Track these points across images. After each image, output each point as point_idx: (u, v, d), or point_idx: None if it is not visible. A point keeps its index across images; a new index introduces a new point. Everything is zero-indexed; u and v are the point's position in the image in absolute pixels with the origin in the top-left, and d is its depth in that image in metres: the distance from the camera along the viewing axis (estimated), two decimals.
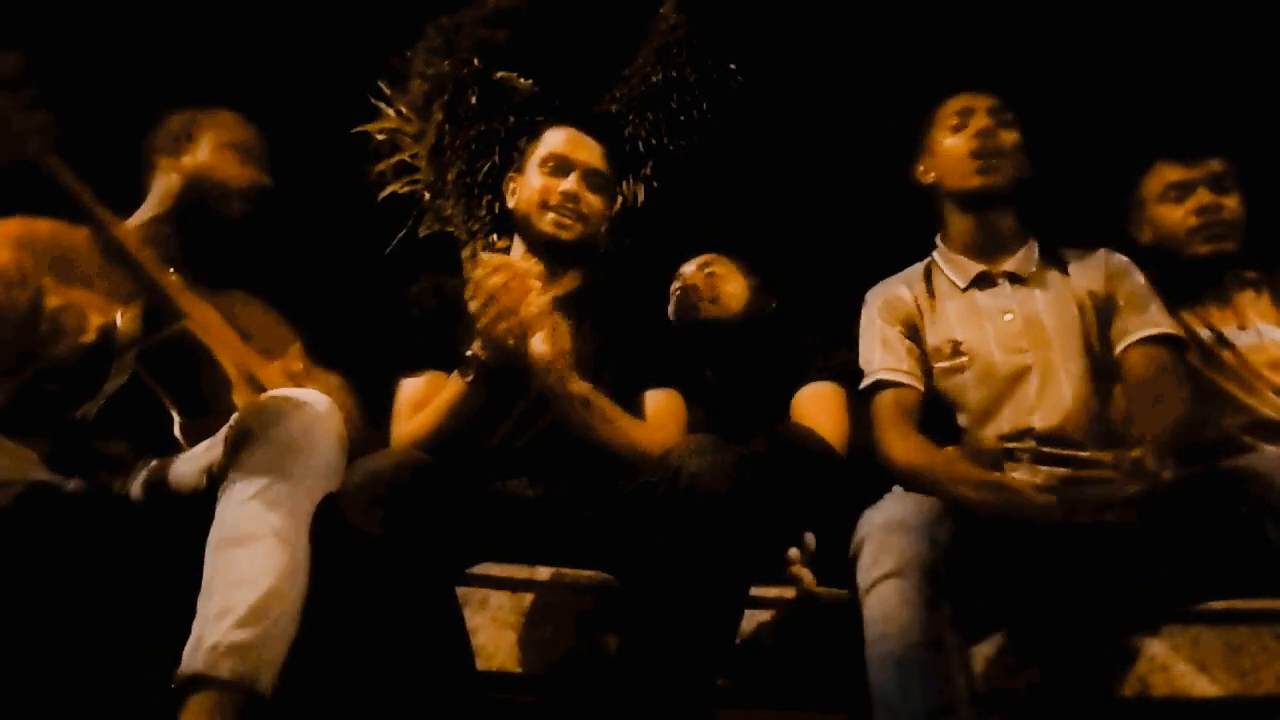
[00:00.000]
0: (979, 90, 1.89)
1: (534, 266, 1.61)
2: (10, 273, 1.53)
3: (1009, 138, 1.84)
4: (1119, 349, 1.76)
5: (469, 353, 1.57)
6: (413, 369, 1.73)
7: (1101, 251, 1.87)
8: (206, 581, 1.21)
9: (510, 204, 1.90)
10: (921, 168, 1.92)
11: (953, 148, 1.85)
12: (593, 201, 1.82)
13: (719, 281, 2.26)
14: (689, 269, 2.31)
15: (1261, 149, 2.16)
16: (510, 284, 1.51)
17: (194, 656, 1.15)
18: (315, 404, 1.31)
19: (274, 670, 1.18)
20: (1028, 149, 1.87)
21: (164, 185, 1.73)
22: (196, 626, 1.18)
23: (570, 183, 1.80)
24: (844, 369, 1.95)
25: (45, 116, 1.36)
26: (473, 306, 1.52)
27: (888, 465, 1.72)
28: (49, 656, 1.31)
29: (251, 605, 1.18)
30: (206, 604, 1.19)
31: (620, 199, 1.97)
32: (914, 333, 1.86)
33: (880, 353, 1.83)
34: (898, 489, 1.69)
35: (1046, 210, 1.95)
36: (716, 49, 3.48)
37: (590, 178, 1.82)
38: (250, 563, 1.20)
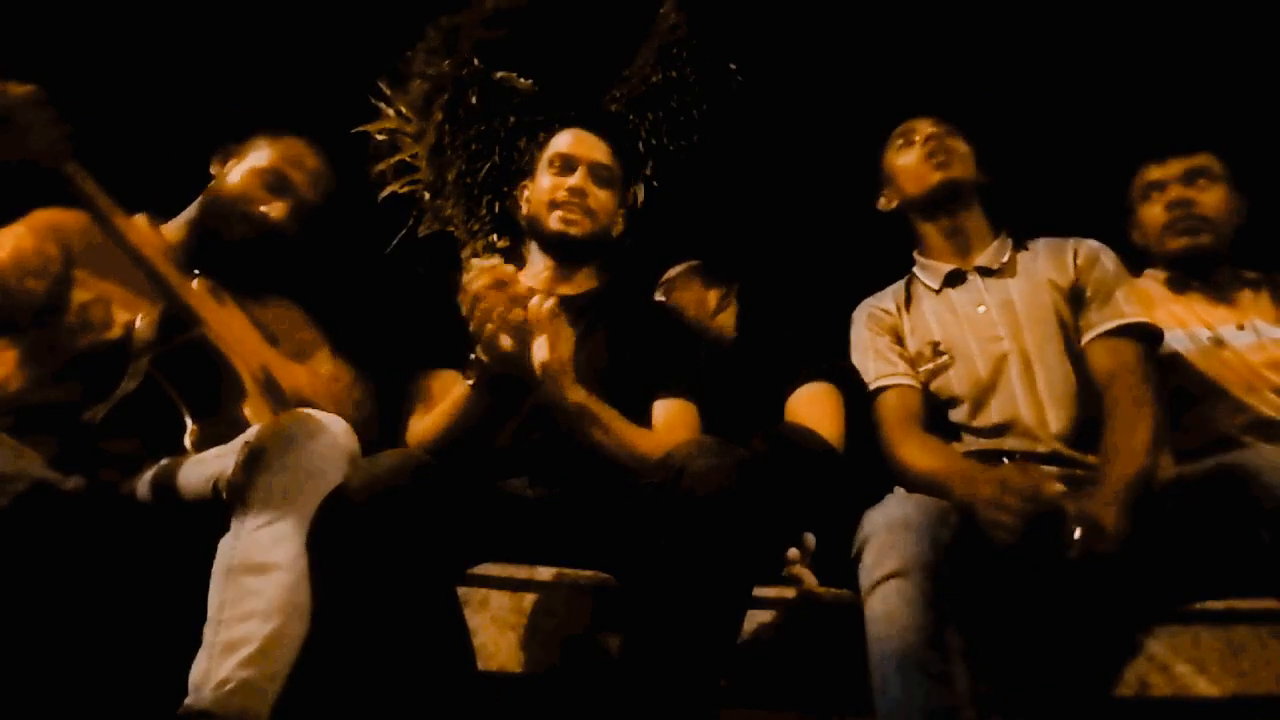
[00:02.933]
0: (918, 115, 1.97)
1: (519, 273, 1.60)
2: (30, 261, 1.52)
3: (955, 144, 1.91)
4: (1083, 341, 1.77)
5: (471, 356, 1.56)
6: (428, 365, 1.73)
7: (1072, 240, 1.89)
8: (215, 608, 1.21)
9: (524, 211, 1.91)
10: (884, 198, 2.00)
11: (904, 164, 1.94)
12: (600, 196, 1.83)
13: (671, 294, 2.28)
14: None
15: (1262, 149, 2.16)
16: (496, 288, 1.50)
17: (201, 692, 1.16)
18: (330, 428, 1.31)
19: (273, 703, 1.19)
20: (1001, 150, 1.95)
21: (202, 196, 1.74)
22: (203, 656, 1.19)
23: (575, 179, 1.81)
24: (836, 369, 1.95)
25: (55, 119, 1.35)
26: (465, 312, 1.51)
27: (898, 469, 1.73)
28: (50, 653, 1.31)
29: (262, 642, 1.18)
30: (215, 634, 1.20)
31: (631, 196, 1.97)
32: (900, 342, 1.90)
33: (875, 362, 1.88)
34: (899, 489, 1.69)
35: (1047, 215, 1.97)
36: (716, 49, 3.48)
37: (596, 173, 1.84)
38: (262, 595, 1.21)
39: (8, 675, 1.28)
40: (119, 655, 1.34)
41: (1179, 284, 2.03)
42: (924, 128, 1.93)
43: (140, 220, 1.59)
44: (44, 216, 1.58)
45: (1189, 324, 1.97)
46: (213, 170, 1.76)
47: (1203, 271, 2.02)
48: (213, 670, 1.17)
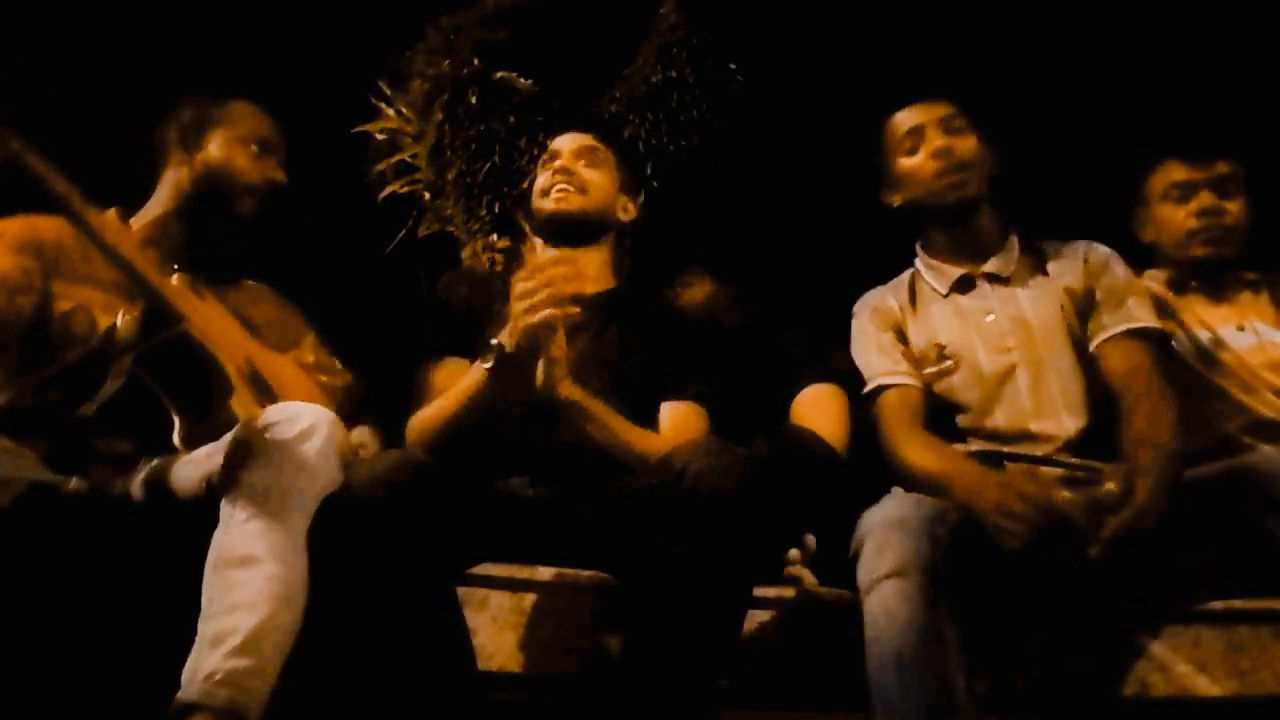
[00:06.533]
0: (925, 101, 1.87)
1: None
2: (14, 278, 1.48)
3: (966, 145, 1.83)
4: (1095, 344, 1.76)
5: (494, 340, 1.55)
6: (439, 356, 1.74)
7: (1081, 245, 1.88)
8: (205, 603, 1.22)
9: (532, 217, 1.94)
10: (888, 193, 1.92)
11: (914, 170, 1.85)
12: (590, 174, 1.85)
13: (682, 292, 2.31)
14: None
15: (1262, 149, 2.15)
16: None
17: (191, 685, 1.17)
18: (316, 420, 1.30)
19: (265, 698, 1.19)
20: (998, 141, 1.88)
21: (174, 180, 1.68)
22: (195, 651, 1.19)
23: (561, 161, 1.85)
24: (841, 371, 1.95)
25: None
26: (524, 287, 1.49)
27: (899, 468, 1.71)
28: (47, 656, 1.31)
29: (248, 633, 1.18)
30: (204, 628, 1.20)
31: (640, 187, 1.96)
32: (903, 339, 1.87)
33: (878, 358, 1.84)
34: (898, 488, 1.69)
35: (1050, 206, 1.96)
36: (716, 49, 3.47)
37: (583, 155, 1.87)
38: (248, 587, 1.21)
39: (8, 676, 1.28)
40: (119, 655, 1.34)
41: (1179, 285, 2.03)
42: (933, 129, 1.83)
43: (113, 217, 1.56)
44: (15, 227, 1.54)
45: (1189, 325, 1.96)
46: (178, 159, 1.69)
47: (1211, 276, 2.02)
48: (201, 663, 1.17)
